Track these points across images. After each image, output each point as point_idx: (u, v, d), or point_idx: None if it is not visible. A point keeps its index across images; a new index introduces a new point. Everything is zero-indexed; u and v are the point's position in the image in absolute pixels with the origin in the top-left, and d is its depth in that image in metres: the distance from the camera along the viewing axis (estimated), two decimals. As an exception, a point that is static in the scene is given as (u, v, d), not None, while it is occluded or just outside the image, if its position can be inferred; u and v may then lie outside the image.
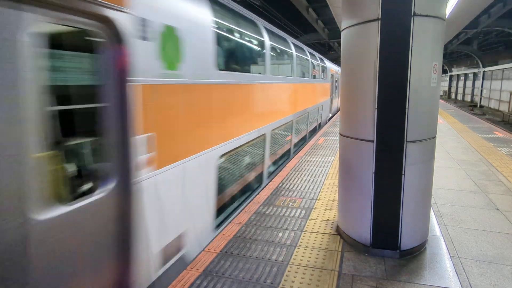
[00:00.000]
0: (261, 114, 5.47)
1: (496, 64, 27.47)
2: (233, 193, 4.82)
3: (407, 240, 3.12)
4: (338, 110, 18.90)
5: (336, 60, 31.82)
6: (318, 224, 3.89)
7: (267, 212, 4.25)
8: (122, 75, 2.37)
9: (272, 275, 2.89)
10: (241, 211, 4.36)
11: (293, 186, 5.31)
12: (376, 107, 2.96)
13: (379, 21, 2.84)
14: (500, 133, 9.96)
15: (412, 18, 2.76)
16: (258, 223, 3.94)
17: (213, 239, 3.63)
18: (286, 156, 8.09)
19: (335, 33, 20.40)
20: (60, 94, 2.09)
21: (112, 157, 2.39)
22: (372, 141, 3.04)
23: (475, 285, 2.72)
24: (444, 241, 3.43)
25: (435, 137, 3.14)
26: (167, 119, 2.85)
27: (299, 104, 8.41)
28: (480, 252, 3.22)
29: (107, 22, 2.23)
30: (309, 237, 3.57)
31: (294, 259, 3.14)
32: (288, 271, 2.94)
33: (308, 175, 5.90)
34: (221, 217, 4.27)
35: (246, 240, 3.53)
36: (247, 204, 4.59)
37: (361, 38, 3.04)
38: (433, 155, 3.18)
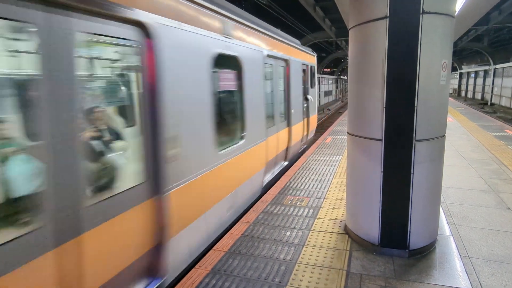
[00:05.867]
0: None
1: (508, 61, 26.90)
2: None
3: (416, 239, 3.10)
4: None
5: (343, 58, 31.56)
6: (326, 223, 3.88)
7: (275, 211, 4.26)
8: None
9: (280, 274, 2.90)
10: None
11: (301, 185, 5.31)
12: (384, 105, 2.94)
13: (387, 19, 2.82)
14: (511, 131, 9.78)
15: (421, 15, 2.73)
16: (266, 222, 3.96)
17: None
18: None
19: (343, 31, 20.26)
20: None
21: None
22: (381, 140, 3.02)
23: (485, 285, 2.69)
24: (454, 241, 3.39)
25: (444, 135, 3.11)
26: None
27: None
28: (491, 252, 3.18)
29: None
30: (317, 236, 3.57)
31: (302, 258, 3.14)
32: (296, 270, 2.95)
33: (316, 174, 5.89)
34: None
35: (254, 239, 3.55)
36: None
37: (369, 37, 3.02)
38: (442, 154, 3.15)
